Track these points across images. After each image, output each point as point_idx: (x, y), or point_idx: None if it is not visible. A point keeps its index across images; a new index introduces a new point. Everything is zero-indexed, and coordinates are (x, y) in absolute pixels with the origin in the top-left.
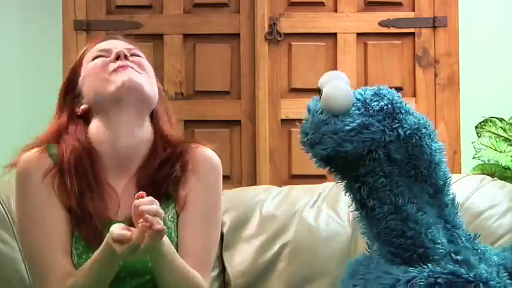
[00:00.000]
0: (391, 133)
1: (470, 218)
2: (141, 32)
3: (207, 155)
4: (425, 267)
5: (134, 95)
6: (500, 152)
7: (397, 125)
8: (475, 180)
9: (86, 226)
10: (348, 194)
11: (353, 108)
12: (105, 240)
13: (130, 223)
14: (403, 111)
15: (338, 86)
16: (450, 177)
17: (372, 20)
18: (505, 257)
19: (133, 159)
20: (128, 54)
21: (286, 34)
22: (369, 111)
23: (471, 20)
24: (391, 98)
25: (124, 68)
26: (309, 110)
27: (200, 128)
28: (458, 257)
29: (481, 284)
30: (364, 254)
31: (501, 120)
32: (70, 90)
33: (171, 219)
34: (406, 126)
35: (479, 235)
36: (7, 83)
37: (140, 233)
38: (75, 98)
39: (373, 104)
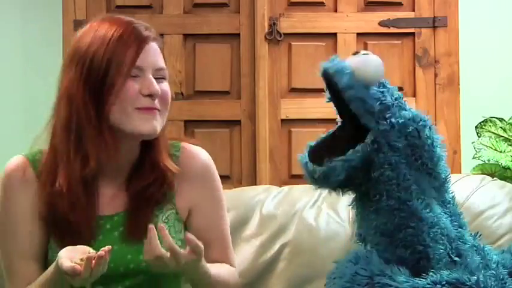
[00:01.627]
0: (384, 122)
1: (470, 218)
2: None
3: (194, 156)
4: (426, 275)
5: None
6: (500, 152)
7: (389, 115)
8: (475, 180)
9: (70, 234)
10: (350, 188)
11: None
12: (55, 266)
13: (122, 215)
14: (395, 105)
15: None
16: (449, 174)
17: (372, 20)
18: (504, 258)
19: (123, 168)
20: (159, 91)
21: (286, 34)
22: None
23: (471, 20)
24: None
25: (150, 113)
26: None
27: (200, 128)
28: (457, 259)
29: None
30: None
31: (501, 120)
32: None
33: (165, 220)
34: (398, 116)
35: (481, 234)
36: (7, 83)
37: (87, 268)
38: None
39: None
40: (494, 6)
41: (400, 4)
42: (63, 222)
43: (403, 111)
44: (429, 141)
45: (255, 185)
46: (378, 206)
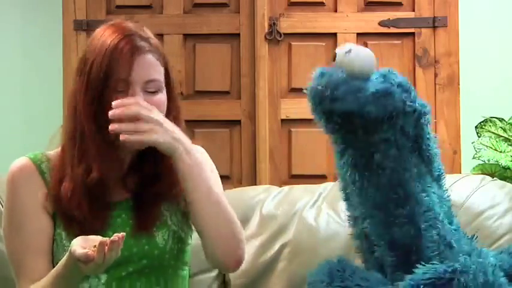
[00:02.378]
0: (410, 104)
1: (470, 218)
2: None
3: None
4: (407, 275)
5: None
6: (500, 152)
7: (414, 99)
8: (475, 180)
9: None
10: (348, 160)
11: (373, 77)
12: (68, 255)
13: (125, 203)
14: (414, 92)
15: (366, 50)
16: (444, 173)
17: (372, 20)
18: (502, 259)
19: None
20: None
21: (286, 34)
22: (390, 82)
23: (471, 20)
24: (403, 78)
25: None
26: (322, 73)
27: (200, 128)
28: (454, 243)
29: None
30: (337, 258)
31: (501, 120)
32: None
33: (167, 209)
34: (420, 104)
35: (477, 236)
36: (7, 83)
37: (100, 253)
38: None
39: (392, 77)
40: (494, 6)
41: (400, 4)
42: (71, 217)
43: (420, 99)
44: (428, 135)
45: (255, 185)
46: (379, 180)
